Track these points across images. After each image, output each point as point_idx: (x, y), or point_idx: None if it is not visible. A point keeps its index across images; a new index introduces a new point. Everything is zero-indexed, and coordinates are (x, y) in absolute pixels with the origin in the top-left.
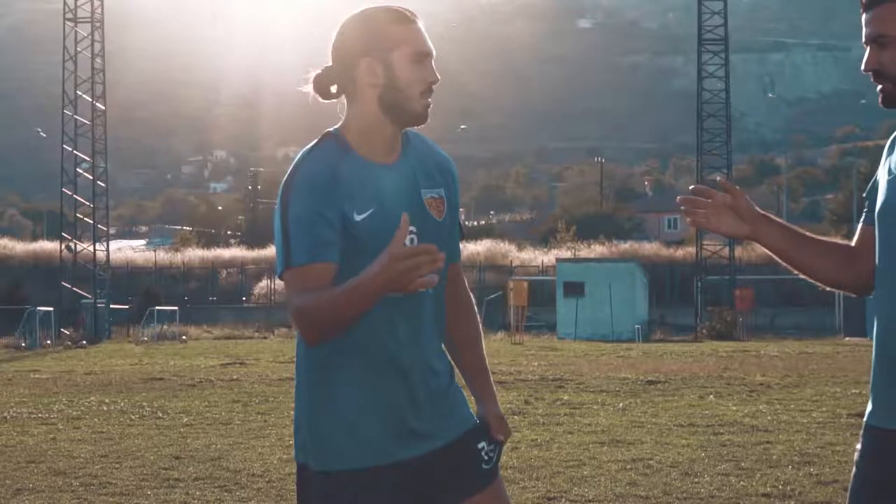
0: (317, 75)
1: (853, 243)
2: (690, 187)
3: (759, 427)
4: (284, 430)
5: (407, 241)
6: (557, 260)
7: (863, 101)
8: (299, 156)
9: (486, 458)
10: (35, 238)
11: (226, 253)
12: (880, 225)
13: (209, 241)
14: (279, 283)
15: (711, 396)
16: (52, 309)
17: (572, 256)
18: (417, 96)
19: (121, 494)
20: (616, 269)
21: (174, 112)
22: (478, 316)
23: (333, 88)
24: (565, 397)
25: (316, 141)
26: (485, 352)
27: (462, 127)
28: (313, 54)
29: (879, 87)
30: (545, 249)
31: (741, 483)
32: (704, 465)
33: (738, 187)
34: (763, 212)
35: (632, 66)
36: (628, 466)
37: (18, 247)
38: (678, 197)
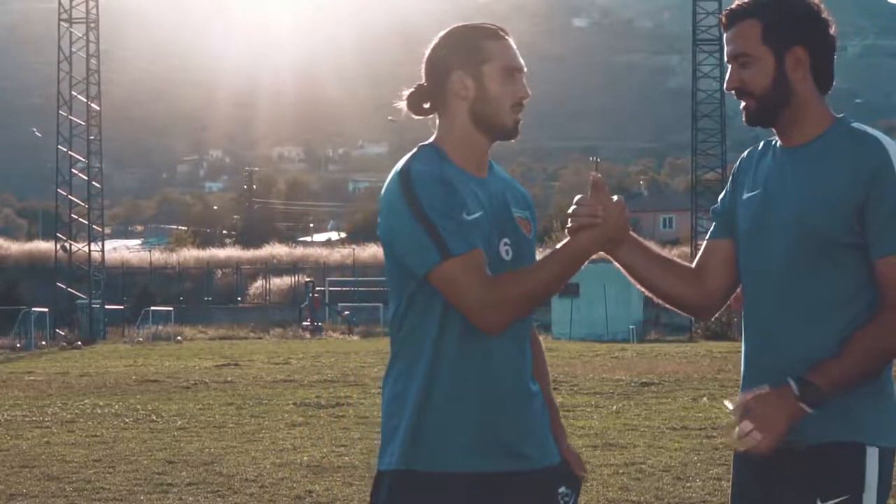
0: (410, 93)
1: (696, 260)
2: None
3: None
4: (277, 434)
5: (502, 251)
6: None
7: (858, 101)
8: (400, 163)
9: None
10: (30, 238)
11: (221, 253)
12: (743, 246)
13: (205, 241)
14: (274, 283)
15: (705, 399)
16: (46, 310)
17: None
18: (507, 110)
19: (114, 500)
20: (611, 269)
21: (170, 111)
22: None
23: (426, 105)
24: (559, 400)
25: (413, 151)
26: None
27: None
28: (309, 54)
29: (742, 104)
30: (541, 249)
31: None
32: (697, 470)
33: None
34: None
35: (627, 65)
36: (621, 471)
37: (13, 247)
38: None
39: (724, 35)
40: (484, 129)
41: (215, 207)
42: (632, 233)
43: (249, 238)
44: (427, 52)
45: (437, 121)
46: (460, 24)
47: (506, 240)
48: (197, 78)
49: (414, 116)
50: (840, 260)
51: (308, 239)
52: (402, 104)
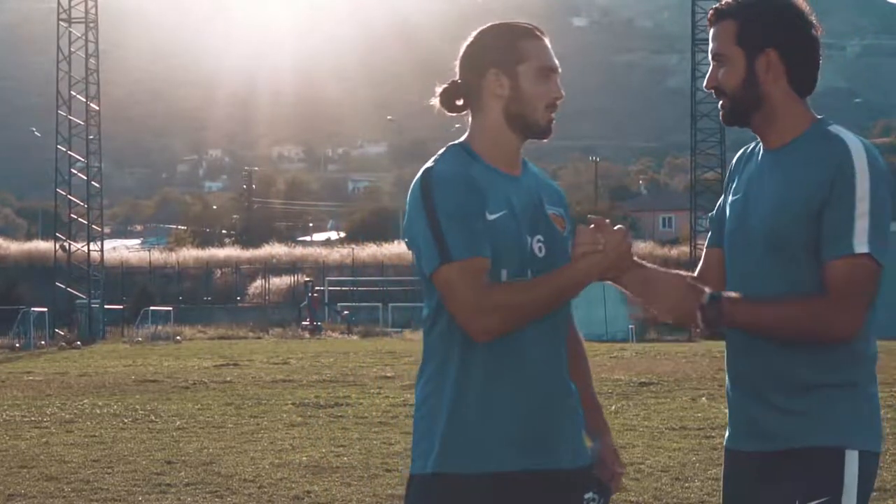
0: (444, 89)
1: (698, 269)
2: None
3: None
4: (276, 434)
5: (535, 248)
6: None
7: (857, 100)
8: (428, 163)
9: None
10: (30, 238)
11: (220, 252)
12: (727, 250)
13: (204, 241)
14: (273, 283)
15: (703, 398)
16: (46, 310)
17: None
18: (542, 109)
19: (112, 500)
20: None
21: (170, 111)
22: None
23: (459, 102)
24: None
25: (442, 150)
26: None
27: (457, 126)
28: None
29: (720, 103)
30: None
31: None
32: (695, 470)
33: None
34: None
35: (627, 64)
36: None
37: (13, 247)
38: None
39: (710, 33)
40: (517, 128)
41: (215, 207)
42: (636, 259)
43: (249, 238)
44: (462, 49)
45: (470, 118)
46: (497, 21)
47: (539, 237)
48: (197, 78)
49: (447, 113)
50: (812, 265)
51: (307, 239)
52: (435, 101)
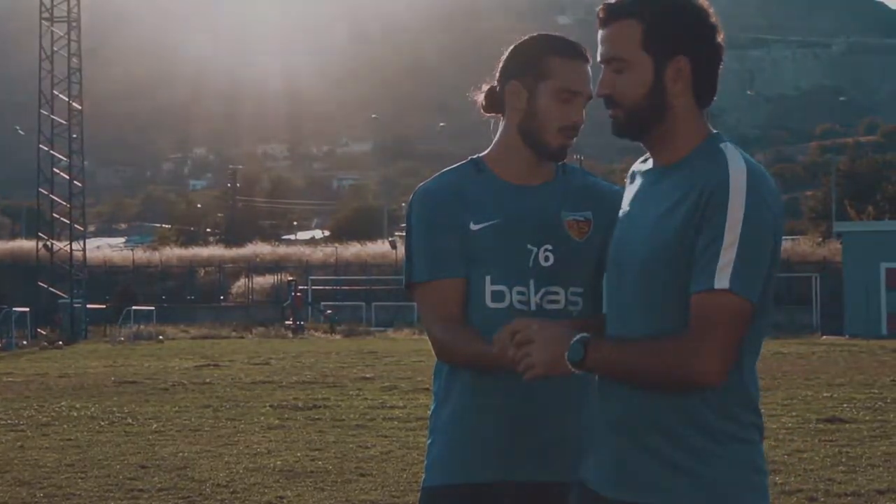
0: (487, 90)
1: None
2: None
3: None
4: (252, 438)
5: (541, 258)
6: None
7: (842, 98)
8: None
9: None
10: (14, 237)
11: (204, 251)
12: (606, 279)
13: (188, 239)
14: (256, 282)
15: None
16: (28, 309)
17: None
18: (554, 132)
19: None
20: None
21: (155, 109)
22: None
23: (490, 105)
24: None
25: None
26: None
27: (441, 125)
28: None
29: (612, 112)
30: None
31: None
32: None
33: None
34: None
35: None
36: None
37: None
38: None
39: (599, 32)
40: (529, 145)
41: (199, 206)
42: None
43: (233, 236)
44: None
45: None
46: (545, 32)
47: (547, 246)
48: (182, 75)
49: (484, 115)
50: (683, 299)
51: (292, 237)
52: (479, 97)
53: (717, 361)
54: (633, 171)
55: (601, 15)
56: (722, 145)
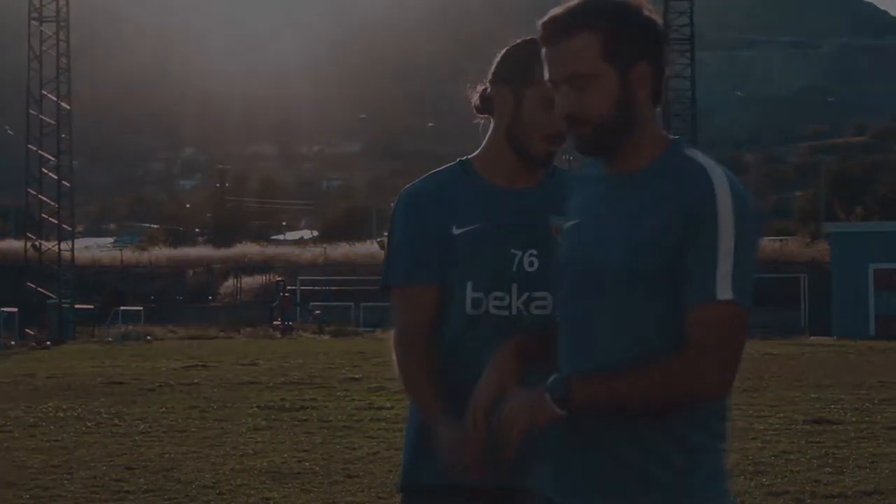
0: (482, 90)
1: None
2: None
3: None
4: (239, 439)
5: (525, 263)
6: None
7: (832, 99)
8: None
9: None
10: (2, 237)
11: (192, 251)
12: (561, 282)
13: (177, 240)
14: (245, 283)
15: None
16: (16, 309)
17: None
18: (538, 138)
19: None
20: None
21: (144, 109)
22: None
23: (481, 107)
24: None
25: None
26: None
27: (430, 125)
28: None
29: (575, 132)
30: None
31: None
32: None
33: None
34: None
35: None
36: None
37: None
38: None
39: (545, 51)
40: (515, 150)
41: (188, 206)
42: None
43: (222, 236)
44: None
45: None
46: (534, 37)
47: (532, 251)
48: (171, 76)
49: (477, 115)
50: (662, 308)
51: (281, 237)
52: (475, 97)
53: (728, 373)
54: (579, 178)
55: (547, 33)
56: (689, 152)
